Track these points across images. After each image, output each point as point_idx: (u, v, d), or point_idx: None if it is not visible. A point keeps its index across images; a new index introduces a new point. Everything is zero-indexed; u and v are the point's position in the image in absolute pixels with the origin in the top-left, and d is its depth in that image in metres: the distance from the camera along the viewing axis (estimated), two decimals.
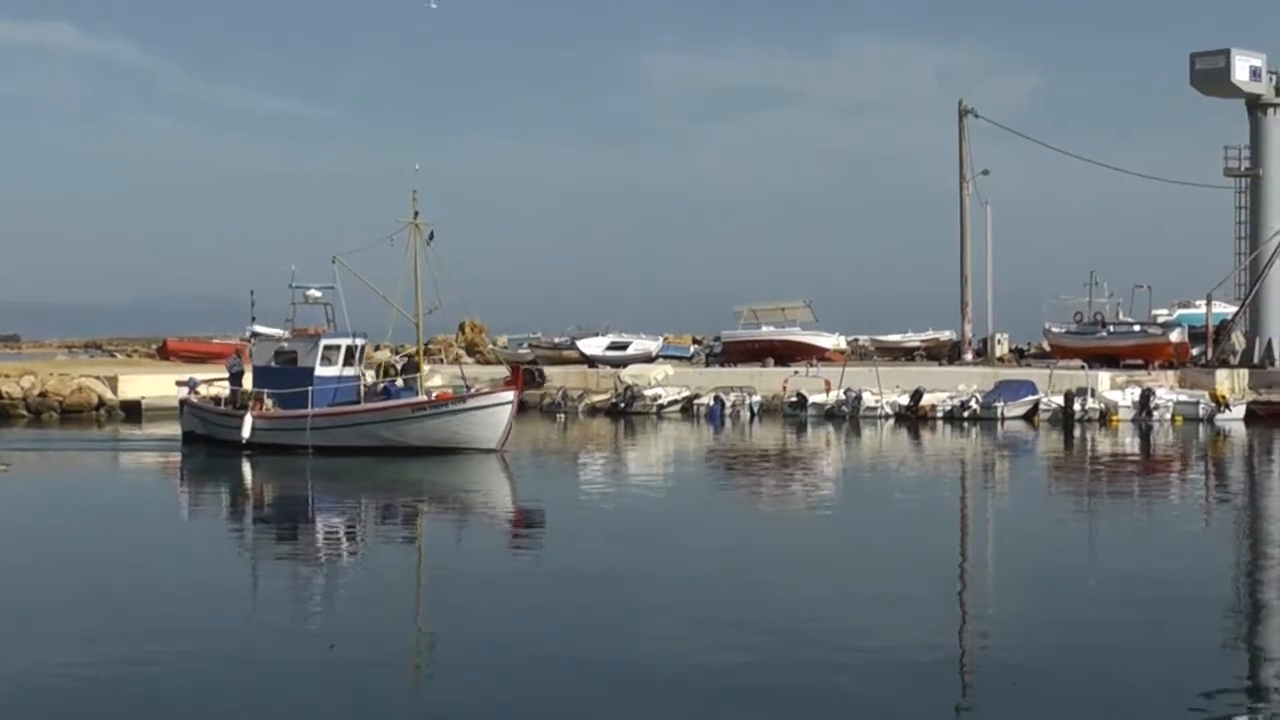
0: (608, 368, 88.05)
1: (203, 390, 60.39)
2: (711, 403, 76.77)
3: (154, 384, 78.20)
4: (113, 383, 77.06)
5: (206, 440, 56.19)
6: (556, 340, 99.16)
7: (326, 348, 54.99)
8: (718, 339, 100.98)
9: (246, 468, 49.99)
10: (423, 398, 54.68)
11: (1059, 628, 21.72)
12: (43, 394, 74.94)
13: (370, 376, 57.01)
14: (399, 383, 56.29)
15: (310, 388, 53.57)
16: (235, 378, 58.13)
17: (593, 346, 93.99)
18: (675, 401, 78.70)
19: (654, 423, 73.20)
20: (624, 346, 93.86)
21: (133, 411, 74.34)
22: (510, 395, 53.13)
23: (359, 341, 56.36)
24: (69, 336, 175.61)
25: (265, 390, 55.64)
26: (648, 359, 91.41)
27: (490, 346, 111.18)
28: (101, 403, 75.19)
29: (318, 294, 57.47)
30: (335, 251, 55.79)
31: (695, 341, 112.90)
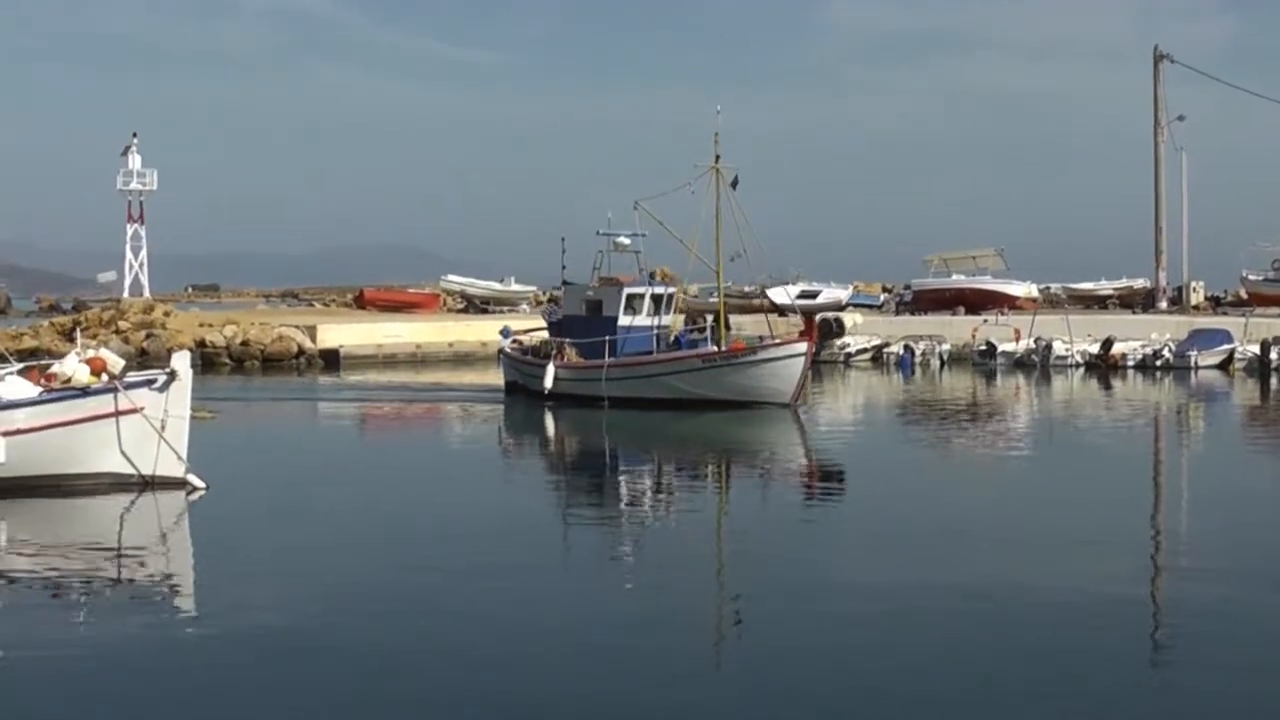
0: (798, 317, 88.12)
1: (525, 339, 59.65)
2: (901, 351, 76.72)
3: (352, 333, 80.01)
4: (312, 332, 78.77)
5: (525, 390, 55.29)
6: (747, 289, 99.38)
7: (630, 296, 53.78)
8: (908, 287, 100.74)
9: (548, 419, 49.25)
10: (713, 349, 52.36)
11: (1252, 580, 21.65)
12: (244, 343, 76.80)
13: (680, 326, 56.18)
14: (704, 333, 54.61)
15: (607, 337, 52.54)
16: (554, 326, 57.19)
17: (782, 295, 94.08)
18: (865, 350, 78.68)
19: (841, 371, 73.32)
20: (814, 295, 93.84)
21: (331, 360, 76.00)
22: (803, 347, 50.59)
23: (667, 290, 55.30)
24: (265, 286, 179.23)
25: (568, 340, 54.74)
26: (838, 307, 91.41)
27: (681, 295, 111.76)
28: (301, 351, 76.91)
29: (627, 241, 56.25)
30: (637, 197, 54.92)
31: (885, 290, 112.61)
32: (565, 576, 22.54)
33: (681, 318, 57.41)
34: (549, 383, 52.80)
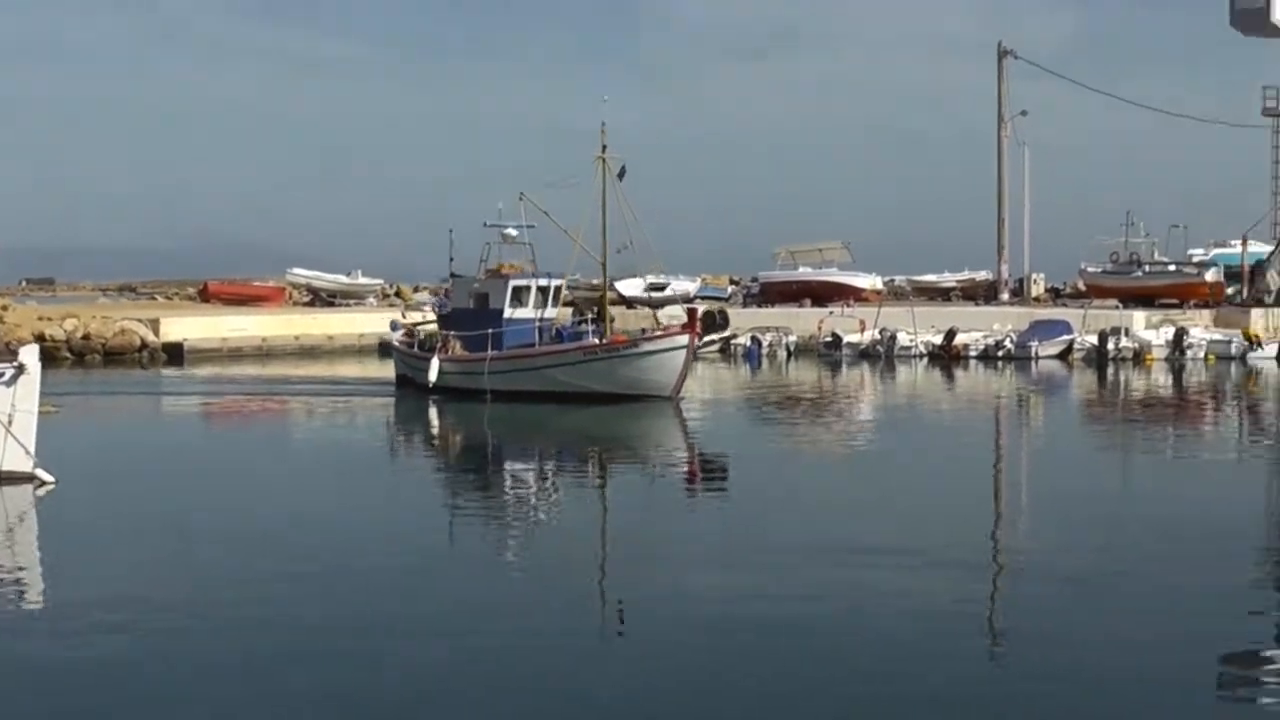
0: (645, 308, 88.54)
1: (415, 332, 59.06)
2: (748, 343, 77.39)
3: (196, 326, 79.17)
4: (155, 325, 77.91)
5: (413, 384, 54.92)
6: (595, 282, 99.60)
7: (516, 288, 53.30)
8: (755, 280, 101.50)
9: (429, 413, 48.90)
10: (593, 341, 51.96)
11: (1087, 572, 22.08)
12: (85, 336, 75.78)
13: (567, 319, 55.70)
14: (587, 326, 54.27)
15: (490, 330, 52.13)
16: (444, 320, 56.46)
17: (631, 288, 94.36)
18: (712, 341, 79.17)
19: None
20: (662, 288, 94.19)
21: (174, 354, 75.15)
22: (684, 339, 49.82)
23: (553, 282, 54.49)
24: (102, 280, 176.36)
25: (453, 332, 54.38)
26: (685, 300, 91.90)
27: None
28: (144, 345, 76.02)
29: (514, 233, 55.27)
30: (523, 189, 54.63)
31: (733, 282, 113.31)
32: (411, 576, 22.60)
33: (569, 310, 57.11)
34: (433, 376, 52.51)
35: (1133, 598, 19.91)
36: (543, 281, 53.97)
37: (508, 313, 52.98)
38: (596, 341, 51.73)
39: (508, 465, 37.60)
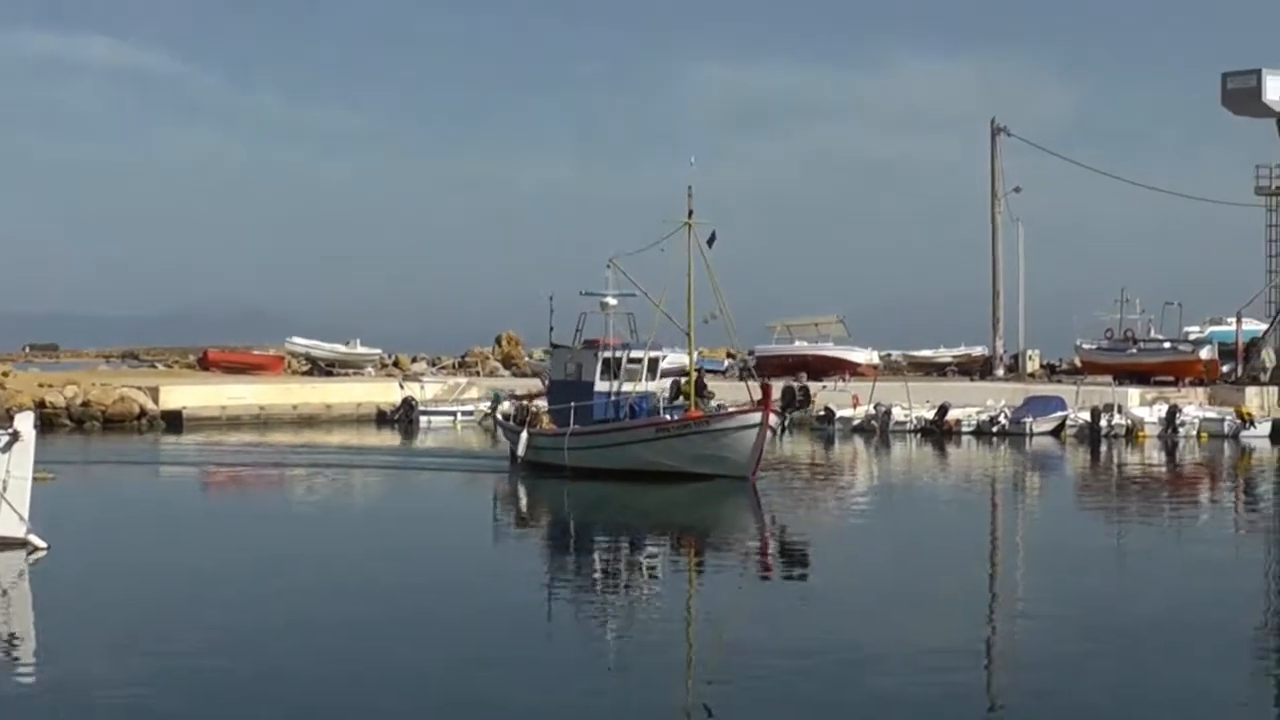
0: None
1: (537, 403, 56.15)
2: None
3: (195, 394, 79.53)
4: (154, 393, 78.23)
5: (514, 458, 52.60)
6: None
7: (607, 360, 50.83)
8: (752, 353, 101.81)
9: (502, 488, 48.67)
10: (666, 417, 49.75)
11: (1082, 651, 22.41)
12: (85, 403, 76.11)
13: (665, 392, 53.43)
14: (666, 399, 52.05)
15: (573, 404, 50.16)
16: (548, 392, 54.81)
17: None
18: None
19: None
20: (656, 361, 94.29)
21: (173, 421, 75.47)
22: (757, 416, 46.94)
23: (648, 354, 51.63)
24: (105, 346, 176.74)
25: (542, 405, 52.97)
26: (681, 372, 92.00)
27: (526, 359, 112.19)
28: (143, 412, 76.32)
29: (614, 301, 52.34)
30: (610, 254, 52.10)
31: (730, 356, 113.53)
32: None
33: (668, 383, 55.03)
34: (521, 450, 51.39)
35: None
36: (637, 353, 51.44)
37: (599, 385, 50.75)
38: (668, 418, 49.77)
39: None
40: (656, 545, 35.77)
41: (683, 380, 54.04)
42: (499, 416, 57.76)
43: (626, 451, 48.48)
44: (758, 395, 48.44)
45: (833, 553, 33.82)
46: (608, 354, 50.98)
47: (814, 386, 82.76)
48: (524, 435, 51.77)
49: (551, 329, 55.33)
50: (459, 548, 35.20)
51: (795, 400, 61.42)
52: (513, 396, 60.19)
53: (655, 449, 48.01)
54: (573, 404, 50.29)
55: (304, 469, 54.10)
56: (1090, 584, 28.89)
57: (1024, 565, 33.38)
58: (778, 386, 54.30)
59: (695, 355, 53.99)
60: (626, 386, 50.71)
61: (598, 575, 30.92)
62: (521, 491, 47.96)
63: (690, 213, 50.25)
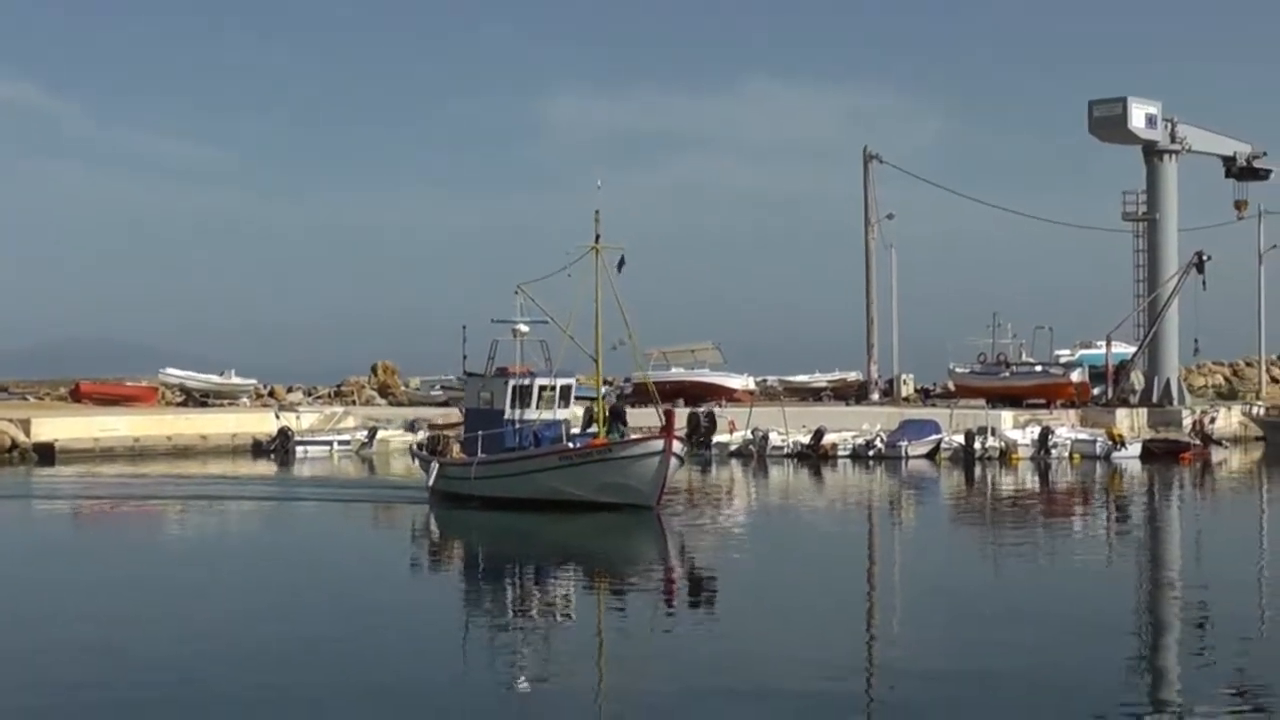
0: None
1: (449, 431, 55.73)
2: None
3: (67, 426, 78.49)
4: (25, 425, 77.14)
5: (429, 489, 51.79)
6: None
7: (517, 389, 50.04)
8: (628, 380, 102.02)
9: (410, 520, 47.77)
10: (567, 445, 48.88)
11: (960, 663, 22.91)
12: None
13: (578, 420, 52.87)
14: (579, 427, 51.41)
15: (479, 433, 49.67)
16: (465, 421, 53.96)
17: None
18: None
19: None
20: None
21: (45, 454, 74.41)
22: (659, 444, 46.24)
23: (559, 381, 51.03)
24: None
25: (455, 435, 51.85)
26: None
27: (403, 388, 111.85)
28: (14, 445, 75.23)
29: (526, 329, 51.52)
30: (519, 281, 51.24)
31: (607, 383, 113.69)
32: None
33: (580, 410, 54.57)
34: (431, 480, 50.84)
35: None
36: (545, 381, 50.67)
37: (509, 414, 49.93)
38: (570, 446, 48.86)
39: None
40: (553, 574, 35.61)
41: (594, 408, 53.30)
42: (413, 446, 56.81)
43: (532, 480, 47.84)
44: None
45: (733, 580, 33.67)
46: (517, 382, 50.33)
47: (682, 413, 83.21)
48: (435, 465, 51.17)
49: (465, 357, 54.66)
50: (347, 581, 34.50)
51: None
52: (430, 425, 59.61)
53: (559, 477, 47.33)
54: (480, 432, 49.85)
55: (210, 499, 54.14)
56: (965, 601, 29.40)
57: (907, 586, 33.87)
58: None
59: (575, 382, 53.43)
60: (543, 414, 50.04)
61: (490, 606, 31.03)
62: (421, 523, 47.38)
63: (597, 237, 49.82)
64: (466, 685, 22.17)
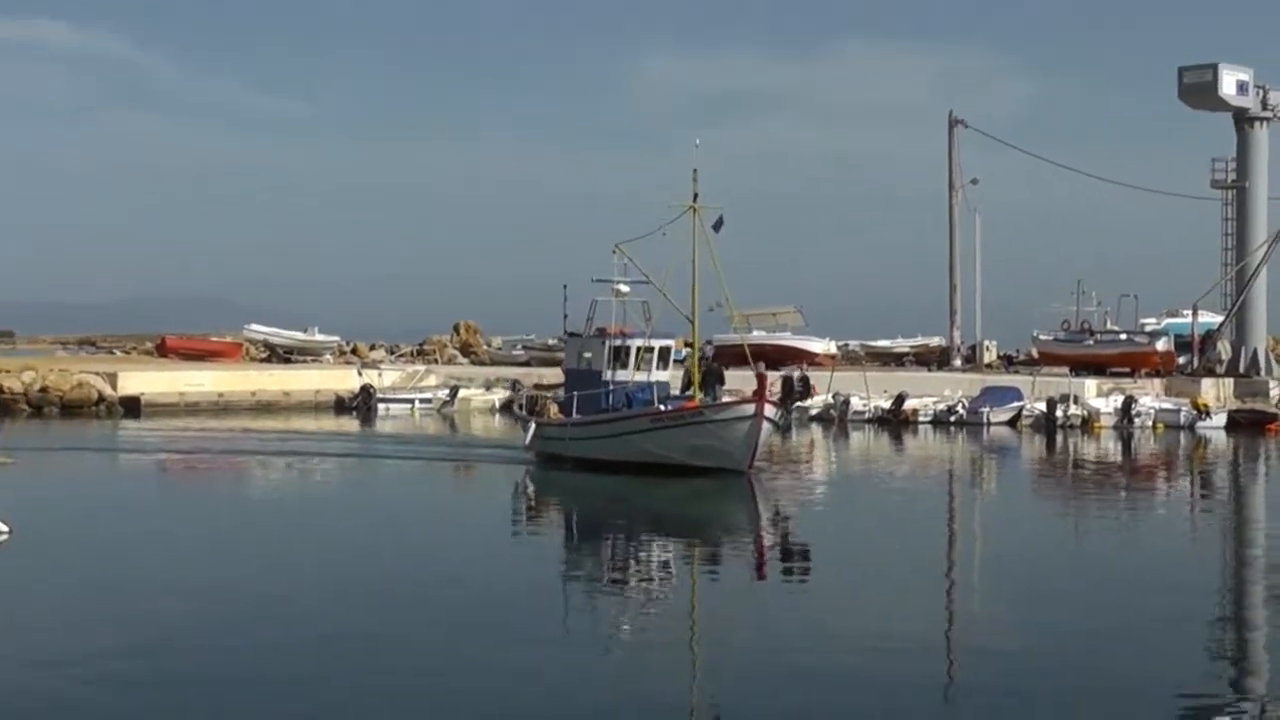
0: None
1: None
2: None
3: (153, 380, 79.35)
4: (112, 379, 77.96)
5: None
6: (550, 342, 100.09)
7: (615, 349, 49.62)
8: (709, 342, 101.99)
9: (507, 480, 47.57)
10: (658, 408, 47.82)
11: (1040, 633, 22.81)
12: (43, 389, 75.83)
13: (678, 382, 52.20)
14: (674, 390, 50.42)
15: (575, 393, 49.44)
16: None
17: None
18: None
19: None
20: None
21: (132, 407, 75.23)
22: (749, 408, 45.64)
23: (658, 343, 50.58)
24: (62, 333, 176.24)
25: (554, 395, 51.93)
26: None
27: (485, 347, 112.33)
28: (101, 398, 76.08)
29: (626, 289, 50.73)
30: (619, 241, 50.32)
31: (686, 345, 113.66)
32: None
33: (680, 372, 54.05)
34: (528, 440, 50.67)
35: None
36: (642, 342, 50.15)
37: (606, 375, 49.55)
38: (662, 408, 47.94)
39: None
40: (643, 538, 35.61)
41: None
42: (515, 407, 56.89)
43: (624, 442, 47.22)
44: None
45: (821, 550, 33.35)
46: (613, 342, 49.86)
47: (774, 376, 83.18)
48: (532, 426, 50.97)
49: (566, 316, 54.00)
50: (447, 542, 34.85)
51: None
52: (536, 386, 59.42)
53: (650, 439, 46.60)
54: (575, 393, 49.70)
55: (307, 456, 54.58)
56: (1049, 574, 29.31)
57: (989, 560, 33.81)
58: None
59: (672, 344, 52.91)
60: (639, 376, 49.62)
61: (584, 569, 31.23)
62: (517, 483, 47.01)
63: (695, 196, 48.93)
64: (567, 637, 22.71)
